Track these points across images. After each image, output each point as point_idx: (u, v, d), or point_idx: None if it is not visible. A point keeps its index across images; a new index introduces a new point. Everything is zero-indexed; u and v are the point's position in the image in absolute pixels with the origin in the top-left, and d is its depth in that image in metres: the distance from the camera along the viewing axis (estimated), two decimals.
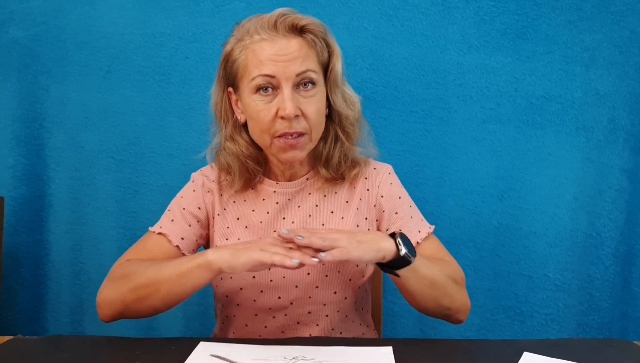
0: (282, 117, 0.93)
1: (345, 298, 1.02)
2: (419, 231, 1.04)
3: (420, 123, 1.44)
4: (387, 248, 0.88)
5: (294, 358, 0.82)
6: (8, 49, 1.44)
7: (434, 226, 1.07)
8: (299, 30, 0.95)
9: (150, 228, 1.05)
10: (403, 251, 0.88)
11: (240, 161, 1.02)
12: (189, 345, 0.86)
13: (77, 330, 1.49)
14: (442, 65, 1.42)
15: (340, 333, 1.04)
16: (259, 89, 0.95)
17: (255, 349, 0.86)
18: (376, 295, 1.24)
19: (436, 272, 0.94)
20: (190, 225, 1.04)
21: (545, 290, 1.46)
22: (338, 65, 1.00)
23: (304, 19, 0.96)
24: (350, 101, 1.03)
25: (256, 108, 0.95)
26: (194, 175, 1.09)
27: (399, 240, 0.89)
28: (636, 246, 1.45)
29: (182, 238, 1.03)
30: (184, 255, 1.02)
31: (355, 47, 1.41)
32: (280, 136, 0.95)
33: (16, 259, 1.49)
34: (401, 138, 1.44)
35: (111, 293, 0.93)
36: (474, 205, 1.45)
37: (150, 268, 0.92)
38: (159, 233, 1.03)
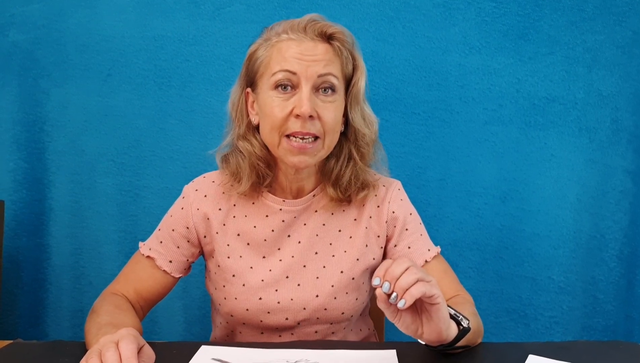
0: (297, 116, 0.90)
1: (352, 316, 1.02)
2: (429, 250, 1.03)
3: (422, 125, 1.43)
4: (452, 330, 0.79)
5: (296, 361, 0.81)
6: (8, 53, 1.44)
7: (439, 247, 1.06)
8: (327, 37, 0.95)
9: (140, 244, 1.04)
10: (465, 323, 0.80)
11: (251, 162, 0.98)
12: (190, 349, 0.85)
13: (77, 334, 1.48)
14: (444, 66, 1.42)
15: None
16: (278, 85, 0.92)
17: (257, 352, 0.85)
18: None
19: (474, 321, 0.86)
20: (179, 247, 1.02)
21: (550, 292, 1.45)
22: (362, 81, 0.99)
23: (333, 27, 0.96)
24: (369, 120, 1.00)
25: (272, 104, 0.93)
26: (185, 189, 1.04)
27: (461, 317, 0.81)
28: None
29: (170, 261, 1.02)
30: (173, 277, 1.03)
31: None
32: (290, 136, 0.92)
33: (16, 263, 1.48)
34: (403, 140, 1.43)
35: (88, 318, 0.92)
36: (477, 207, 1.44)
37: (100, 317, 0.89)
38: (148, 256, 1.02)
